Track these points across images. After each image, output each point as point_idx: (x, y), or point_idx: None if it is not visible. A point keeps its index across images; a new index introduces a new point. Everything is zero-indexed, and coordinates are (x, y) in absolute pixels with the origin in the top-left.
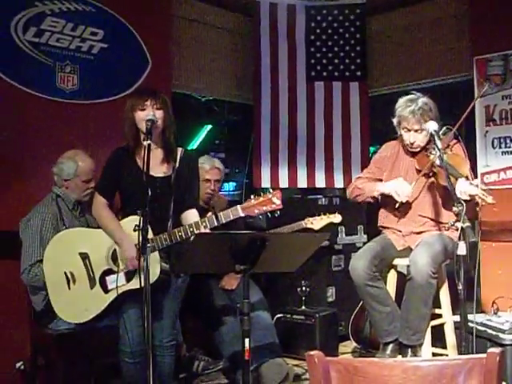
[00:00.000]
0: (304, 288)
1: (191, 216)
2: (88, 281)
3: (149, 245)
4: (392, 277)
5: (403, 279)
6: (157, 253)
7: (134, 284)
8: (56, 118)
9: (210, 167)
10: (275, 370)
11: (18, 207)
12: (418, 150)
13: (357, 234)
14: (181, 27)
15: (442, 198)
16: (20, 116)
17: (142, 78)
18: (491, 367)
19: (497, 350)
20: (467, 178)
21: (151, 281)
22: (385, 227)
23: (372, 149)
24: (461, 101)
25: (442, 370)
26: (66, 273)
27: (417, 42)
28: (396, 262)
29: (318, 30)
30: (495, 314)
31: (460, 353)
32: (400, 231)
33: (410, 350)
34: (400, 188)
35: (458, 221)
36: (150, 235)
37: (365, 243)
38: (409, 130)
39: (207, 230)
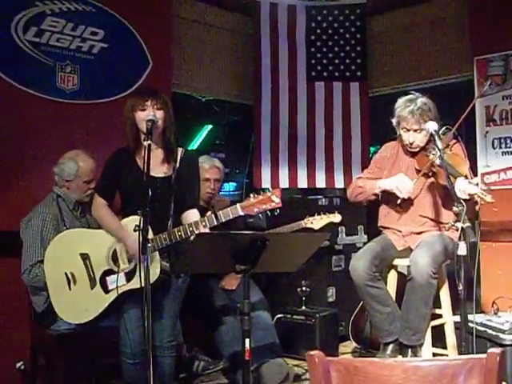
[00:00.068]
0: (304, 288)
1: (192, 216)
2: (88, 281)
3: (149, 245)
4: (392, 277)
5: (403, 279)
6: (157, 252)
7: (135, 284)
8: (56, 118)
9: (209, 166)
10: (275, 370)
11: (18, 207)
12: (418, 149)
13: (357, 235)
14: (181, 27)
15: (441, 197)
16: (20, 116)
17: (142, 78)
18: (491, 367)
19: (497, 350)
20: (466, 177)
21: (151, 281)
22: (385, 227)
23: (372, 149)
24: (461, 101)
25: (443, 370)
26: (66, 273)
27: (417, 42)
28: (396, 262)
29: (318, 30)
30: (495, 314)
31: (460, 353)
32: (400, 231)
33: (410, 350)
34: (401, 184)
35: (458, 221)
36: (150, 235)
37: (365, 243)
38: (408, 130)
39: (207, 229)
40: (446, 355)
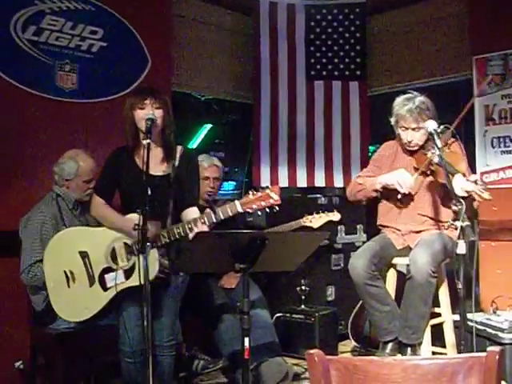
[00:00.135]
0: (303, 287)
1: (191, 214)
2: (87, 279)
3: (148, 244)
4: (391, 276)
5: (402, 278)
6: (155, 249)
7: (133, 281)
8: (55, 117)
9: (208, 165)
10: (275, 369)
11: (17, 206)
12: (416, 148)
13: (356, 234)
14: (180, 26)
15: (440, 196)
16: (19, 115)
17: (141, 77)
18: (491, 366)
19: (496, 348)
20: (464, 175)
21: (150, 277)
22: (384, 226)
23: (371, 148)
24: (460, 100)
25: (442, 368)
26: (65, 271)
27: (416, 41)
28: (395, 261)
29: (317, 30)
30: (494, 313)
31: (459, 351)
32: (399, 230)
33: (409, 348)
34: (402, 178)
35: (457, 220)
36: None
37: (364, 242)
38: (406, 129)
39: (205, 226)
40: (445, 354)
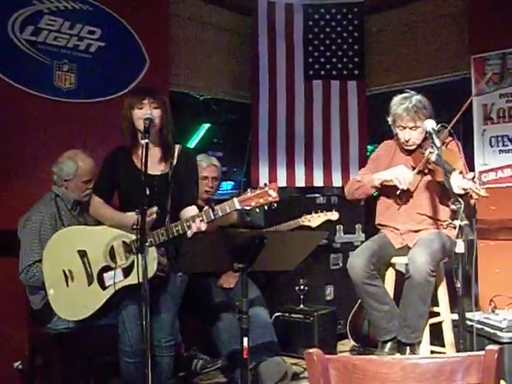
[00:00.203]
0: (302, 287)
1: (190, 212)
2: (86, 278)
3: (147, 243)
4: (390, 275)
5: (401, 277)
6: (154, 247)
7: (132, 279)
8: (53, 117)
9: (207, 164)
10: (274, 368)
11: (16, 206)
12: (414, 147)
13: (355, 233)
14: (179, 26)
15: (438, 195)
16: (17, 115)
17: (139, 77)
18: (490, 364)
19: (495, 347)
20: (461, 172)
21: (149, 275)
22: (382, 225)
23: (370, 147)
24: (458, 99)
25: (441, 367)
26: (64, 271)
27: (414, 40)
28: (394, 260)
29: (315, 29)
30: (493, 312)
31: (458, 350)
32: (398, 229)
33: (408, 348)
34: (401, 174)
35: (456, 219)
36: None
37: (363, 242)
38: (404, 128)
39: (204, 224)
40: (444, 353)
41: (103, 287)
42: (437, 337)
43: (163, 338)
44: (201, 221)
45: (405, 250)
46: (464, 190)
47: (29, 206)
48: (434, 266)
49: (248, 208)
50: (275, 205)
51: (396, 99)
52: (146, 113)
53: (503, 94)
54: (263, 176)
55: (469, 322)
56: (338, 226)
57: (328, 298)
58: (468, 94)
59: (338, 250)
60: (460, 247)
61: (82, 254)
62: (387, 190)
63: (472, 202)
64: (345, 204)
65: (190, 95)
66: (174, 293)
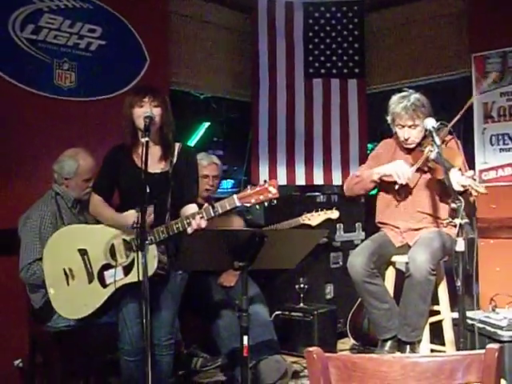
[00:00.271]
0: (302, 285)
1: (190, 210)
2: (86, 276)
3: (147, 242)
4: (390, 274)
5: (401, 276)
6: (154, 245)
7: (132, 277)
8: (54, 116)
9: (207, 163)
10: (273, 366)
11: (16, 205)
12: (414, 146)
13: (355, 232)
14: (179, 24)
15: (438, 193)
16: (17, 113)
17: (139, 76)
18: (490, 363)
19: (495, 345)
20: (460, 170)
21: (149, 273)
22: (383, 223)
23: (370, 146)
24: (458, 98)
25: (441, 366)
26: (64, 269)
27: (415, 39)
28: (394, 258)
29: (315, 27)
30: (493, 310)
31: (458, 349)
32: (398, 228)
33: (408, 346)
34: (400, 169)
35: (456, 217)
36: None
37: (363, 240)
38: (403, 127)
39: (204, 221)
40: (444, 352)
41: (104, 285)
42: (437, 335)
43: (163, 337)
44: (201, 218)
45: (405, 248)
46: (463, 186)
47: (29, 204)
48: (435, 265)
49: (248, 205)
50: (275, 201)
51: (394, 98)
52: (146, 111)
53: (504, 92)
54: (263, 174)
55: (469, 321)
56: (338, 225)
57: (328, 296)
58: (468, 92)
59: (338, 249)
60: (460, 246)
61: (83, 253)
62: (387, 187)
63: (471, 199)
64: (345, 202)
65: (190, 93)
66: (174, 291)
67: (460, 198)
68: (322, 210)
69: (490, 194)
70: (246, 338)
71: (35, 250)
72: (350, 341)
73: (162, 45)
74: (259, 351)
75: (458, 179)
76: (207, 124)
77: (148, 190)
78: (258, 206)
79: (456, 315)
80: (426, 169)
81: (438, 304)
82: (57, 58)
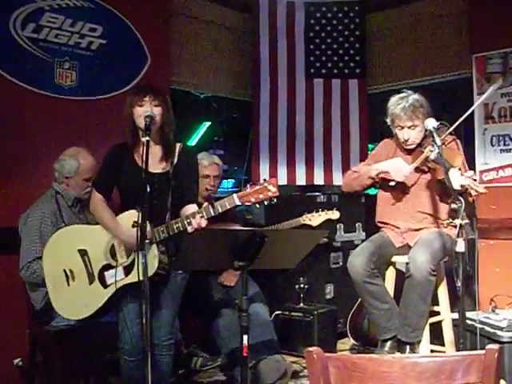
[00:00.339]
0: (302, 285)
1: (190, 209)
2: (87, 277)
3: (147, 241)
4: (390, 274)
5: (401, 276)
6: (154, 245)
7: (133, 278)
8: (54, 115)
9: (208, 163)
10: (273, 366)
11: (17, 204)
12: (414, 146)
13: (355, 232)
14: (180, 24)
15: (438, 194)
16: (18, 112)
17: (140, 75)
18: (490, 363)
19: (495, 346)
20: (460, 170)
21: (149, 273)
22: (383, 223)
23: (370, 146)
24: (459, 98)
25: (441, 366)
26: (65, 270)
27: (416, 39)
28: (394, 259)
29: (317, 27)
30: (493, 311)
31: (458, 349)
32: (398, 228)
33: (408, 347)
34: (397, 166)
35: (456, 217)
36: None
37: (363, 240)
38: (402, 128)
39: (204, 220)
40: (444, 352)
41: (104, 286)
42: (437, 336)
43: (163, 337)
44: (201, 217)
45: (405, 248)
46: (462, 186)
47: (29, 203)
48: (435, 265)
49: (248, 204)
50: (275, 200)
51: (393, 99)
52: (146, 110)
53: (504, 93)
54: (264, 174)
55: (469, 322)
56: (338, 225)
57: (328, 296)
58: (469, 93)
59: (339, 249)
60: (460, 246)
61: (83, 253)
62: (386, 186)
63: (471, 199)
64: (345, 202)
65: (191, 93)
66: (174, 291)
67: (460, 198)
68: (322, 211)
69: (490, 195)
70: (245, 337)
71: (35, 248)
72: (349, 341)
73: (163, 44)
74: (259, 351)
75: (456, 179)
76: (208, 123)
77: (148, 190)
78: (257, 205)
79: (456, 316)
80: (426, 169)
81: (438, 304)
82: (58, 57)
